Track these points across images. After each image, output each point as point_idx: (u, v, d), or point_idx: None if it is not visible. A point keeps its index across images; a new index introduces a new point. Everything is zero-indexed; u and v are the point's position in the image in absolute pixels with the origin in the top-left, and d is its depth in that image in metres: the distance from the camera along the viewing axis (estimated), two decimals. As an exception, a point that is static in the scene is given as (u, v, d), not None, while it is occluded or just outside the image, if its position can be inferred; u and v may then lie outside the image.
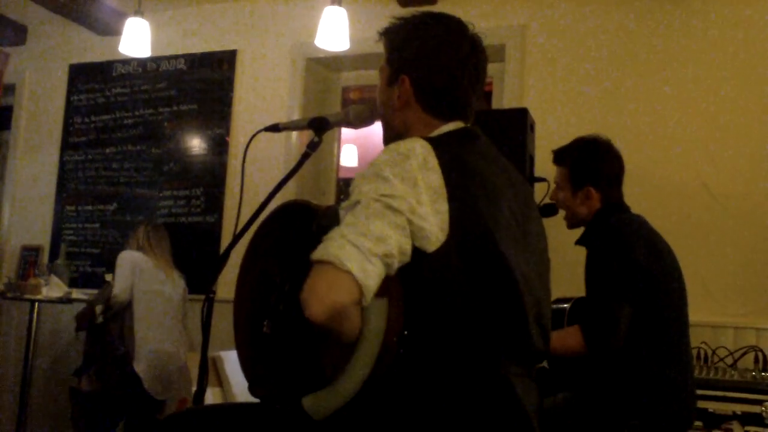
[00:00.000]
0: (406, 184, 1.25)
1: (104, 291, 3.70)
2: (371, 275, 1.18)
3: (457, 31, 1.50)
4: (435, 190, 1.27)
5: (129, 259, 3.71)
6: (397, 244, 1.21)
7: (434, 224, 1.26)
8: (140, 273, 3.71)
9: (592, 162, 2.41)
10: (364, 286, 1.17)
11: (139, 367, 3.56)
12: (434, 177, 1.28)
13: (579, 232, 2.47)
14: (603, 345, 2.10)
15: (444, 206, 1.27)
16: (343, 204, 1.28)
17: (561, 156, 2.48)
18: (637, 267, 2.15)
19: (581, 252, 2.41)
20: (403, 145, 1.31)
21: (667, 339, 2.18)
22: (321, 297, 1.15)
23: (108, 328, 3.63)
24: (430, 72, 1.48)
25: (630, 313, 2.10)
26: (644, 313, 2.13)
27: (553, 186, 2.55)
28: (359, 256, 1.17)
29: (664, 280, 2.21)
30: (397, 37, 1.53)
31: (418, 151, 1.30)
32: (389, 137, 1.55)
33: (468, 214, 1.29)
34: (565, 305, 2.40)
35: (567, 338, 2.14)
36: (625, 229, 2.25)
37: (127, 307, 3.64)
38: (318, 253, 1.19)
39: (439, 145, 1.33)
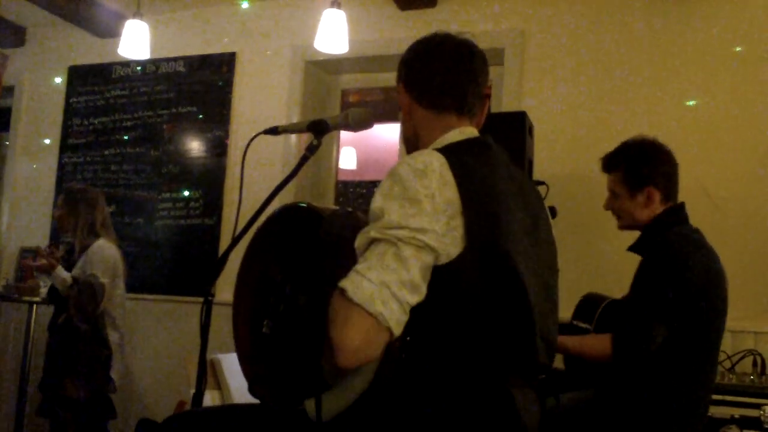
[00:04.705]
0: (429, 206, 1.25)
1: (92, 285, 3.36)
2: (403, 324, 1.21)
3: (442, 38, 1.53)
4: (451, 205, 1.28)
5: (113, 259, 3.50)
6: (425, 287, 1.24)
7: (449, 240, 1.26)
8: (118, 276, 3.54)
9: (647, 162, 2.32)
10: (396, 335, 1.20)
11: (114, 374, 3.44)
12: (450, 192, 1.29)
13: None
14: (631, 359, 2.09)
15: (459, 221, 1.28)
16: (373, 226, 1.24)
17: (612, 161, 2.38)
18: (686, 290, 2.09)
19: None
20: (419, 160, 1.30)
21: (699, 359, 2.14)
22: (355, 350, 1.16)
23: (85, 331, 3.36)
24: (420, 69, 1.52)
25: (665, 333, 2.06)
26: (682, 333, 2.09)
27: (607, 194, 2.42)
28: (399, 310, 1.19)
29: (712, 305, 2.15)
30: (404, 63, 1.57)
31: (435, 165, 1.29)
32: (407, 148, 1.58)
33: (481, 227, 1.30)
34: (600, 304, 2.37)
35: (597, 344, 2.14)
36: (683, 248, 2.16)
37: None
38: (355, 293, 1.18)
39: (451, 156, 1.33)
